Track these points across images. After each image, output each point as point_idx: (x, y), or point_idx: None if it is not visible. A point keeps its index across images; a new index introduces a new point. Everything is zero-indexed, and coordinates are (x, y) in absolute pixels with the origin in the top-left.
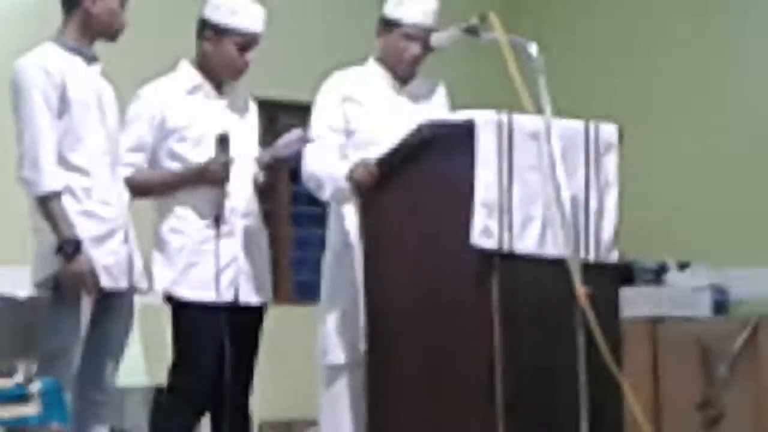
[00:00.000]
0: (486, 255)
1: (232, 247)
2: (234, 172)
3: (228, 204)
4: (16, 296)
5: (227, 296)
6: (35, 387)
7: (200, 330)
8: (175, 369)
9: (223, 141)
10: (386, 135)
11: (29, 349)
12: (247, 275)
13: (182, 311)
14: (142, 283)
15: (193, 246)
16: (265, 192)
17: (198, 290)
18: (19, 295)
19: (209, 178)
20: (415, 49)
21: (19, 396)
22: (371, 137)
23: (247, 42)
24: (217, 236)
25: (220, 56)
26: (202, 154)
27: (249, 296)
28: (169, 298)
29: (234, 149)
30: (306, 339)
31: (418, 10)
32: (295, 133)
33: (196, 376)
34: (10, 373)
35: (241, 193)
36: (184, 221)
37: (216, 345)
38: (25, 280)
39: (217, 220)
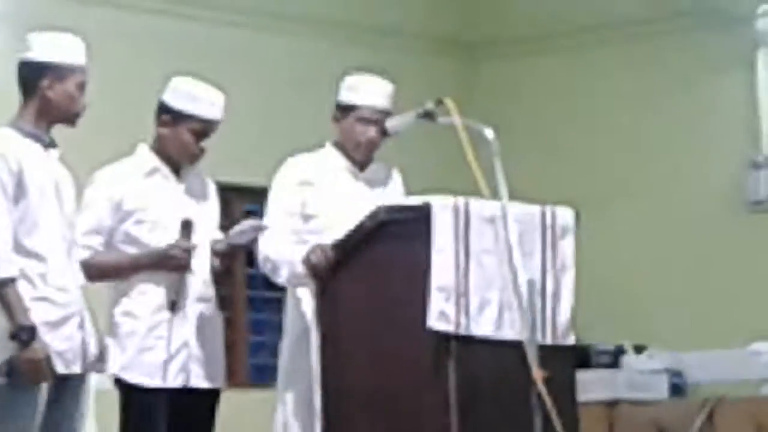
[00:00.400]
0: (443, 338)
1: (185, 332)
2: (195, 259)
3: (188, 290)
4: None
5: (177, 381)
6: None
7: (149, 415)
8: None
9: (186, 226)
10: (344, 220)
11: None
12: (199, 360)
13: (131, 396)
14: (98, 367)
15: (145, 330)
16: (220, 277)
17: (147, 375)
18: None
19: (171, 264)
20: (371, 132)
21: None
22: (328, 222)
23: (204, 129)
24: (171, 321)
25: (176, 141)
26: (158, 237)
27: (200, 381)
28: (119, 383)
29: (195, 235)
30: (262, 423)
31: (372, 93)
32: (248, 222)
33: None
34: None
35: (198, 278)
36: (137, 305)
37: (164, 430)
38: None
39: (173, 305)
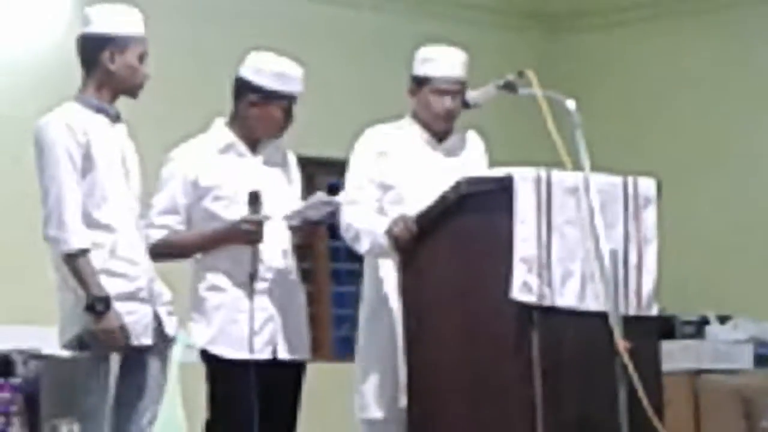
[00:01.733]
0: (526, 309)
1: (270, 305)
2: (270, 230)
3: (265, 262)
4: (57, 355)
5: (265, 354)
6: None
7: (236, 389)
8: (210, 427)
9: (254, 198)
10: (422, 191)
11: (71, 408)
12: (285, 333)
13: (219, 370)
14: (168, 340)
15: (230, 304)
16: (299, 251)
17: (235, 349)
18: (61, 354)
19: (242, 237)
20: (447, 103)
21: None
22: (407, 193)
23: (291, 104)
24: (253, 294)
25: (266, 120)
26: (235, 213)
27: (287, 354)
28: (206, 357)
29: (270, 207)
30: (346, 395)
31: (446, 63)
32: (318, 197)
33: None
34: None
35: (278, 250)
36: (221, 280)
37: (253, 404)
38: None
39: (252, 278)
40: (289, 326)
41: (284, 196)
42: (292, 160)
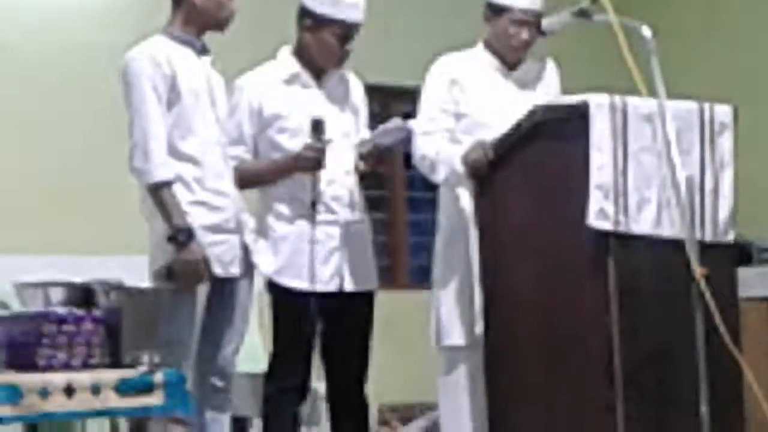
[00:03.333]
0: (602, 236)
1: (336, 235)
2: (334, 161)
3: (330, 192)
4: (138, 287)
5: (331, 285)
6: (159, 377)
7: (302, 319)
8: (275, 357)
9: (317, 125)
10: (495, 119)
11: (152, 339)
12: (351, 263)
13: (284, 299)
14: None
15: (296, 234)
16: (367, 179)
17: (300, 278)
18: (142, 285)
19: (303, 164)
20: (524, 34)
21: (144, 386)
22: (480, 121)
23: (347, 32)
24: (315, 223)
25: (320, 46)
26: (300, 144)
27: (353, 285)
28: (272, 286)
29: (333, 137)
30: (424, 323)
31: None
32: (393, 122)
33: (294, 365)
34: (134, 364)
35: (342, 181)
36: (287, 209)
37: (321, 334)
38: (145, 269)
39: (313, 205)
40: (355, 256)
41: (348, 126)
42: (358, 89)
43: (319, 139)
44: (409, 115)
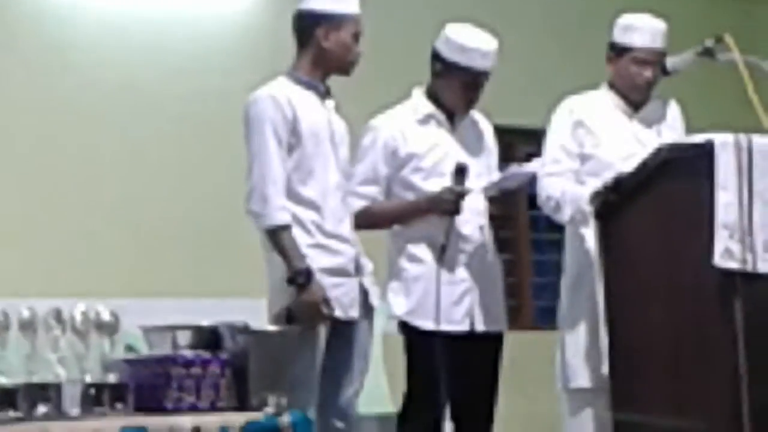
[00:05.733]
0: (728, 275)
1: (467, 277)
2: (468, 203)
3: (463, 234)
4: (264, 329)
5: (463, 326)
6: (286, 420)
7: (434, 360)
8: (409, 397)
9: (461, 171)
10: (620, 160)
11: (279, 381)
12: (482, 305)
13: (417, 340)
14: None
15: (429, 275)
16: (497, 221)
17: (432, 319)
18: (268, 328)
19: (443, 208)
20: (647, 73)
21: (271, 429)
22: (605, 162)
23: (475, 79)
24: (451, 266)
25: (449, 91)
26: (433, 184)
27: (483, 326)
28: (404, 327)
29: (468, 179)
30: (548, 364)
31: (648, 34)
32: (515, 167)
33: (429, 405)
34: (261, 406)
35: (475, 222)
36: (420, 251)
37: (450, 375)
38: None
39: (443, 249)
40: (486, 298)
41: (480, 168)
42: (489, 132)
43: (460, 183)
44: (533, 155)
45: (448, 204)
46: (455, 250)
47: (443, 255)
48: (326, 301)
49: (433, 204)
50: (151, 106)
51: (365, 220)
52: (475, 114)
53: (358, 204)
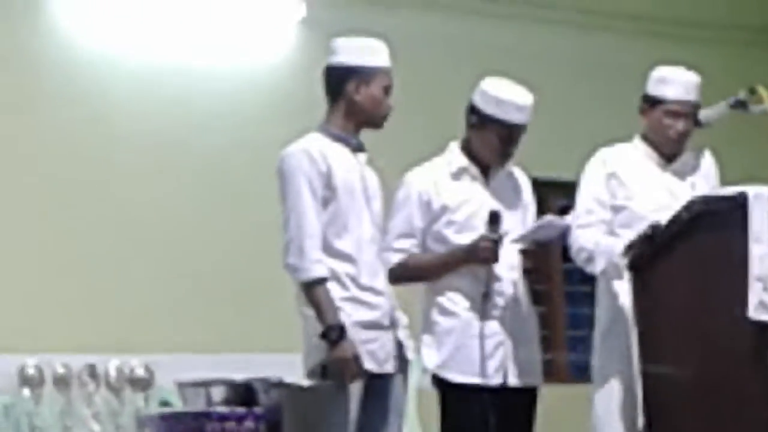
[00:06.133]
0: (763, 328)
1: (501, 329)
2: (502, 255)
3: (497, 287)
4: (298, 383)
5: (496, 380)
6: None
7: (468, 413)
8: None
9: (495, 217)
10: (653, 212)
11: None
12: (517, 358)
13: (450, 394)
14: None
15: (461, 328)
16: (530, 274)
17: (465, 373)
18: (303, 383)
19: (480, 256)
20: (680, 125)
21: None
22: (639, 214)
23: (510, 133)
24: (485, 317)
25: (484, 144)
26: (466, 238)
27: (517, 379)
28: (437, 381)
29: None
30: (583, 418)
31: (681, 86)
32: (546, 219)
33: None
34: None
35: (509, 275)
36: (453, 304)
37: (484, 429)
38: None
39: (486, 296)
40: (520, 351)
41: (515, 222)
42: (525, 184)
43: (495, 231)
44: (566, 207)
45: (485, 252)
46: (488, 303)
47: (486, 304)
48: (357, 358)
49: (470, 253)
50: (183, 160)
51: (402, 274)
52: (513, 168)
53: (395, 258)
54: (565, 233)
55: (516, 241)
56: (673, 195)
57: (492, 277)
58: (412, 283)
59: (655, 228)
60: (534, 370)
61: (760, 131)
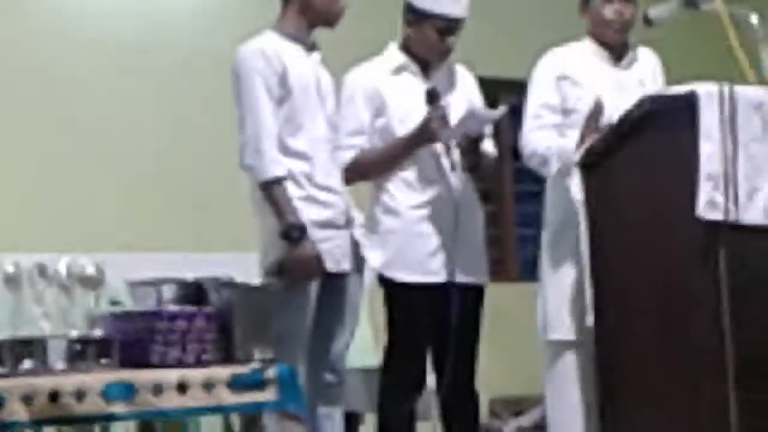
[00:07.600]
0: (712, 226)
1: (446, 227)
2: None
3: (440, 182)
4: (249, 283)
5: (440, 277)
6: (271, 373)
7: (414, 311)
8: (390, 350)
9: (432, 95)
10: (604, 111)
11: (264, 335)
12: (462, 256)
13: (395, 292)
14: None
15: (405, 227)
16: (472, 173)
17: (411, 271)
18: (253, 282)
19: (430, 133)
20: (617, 6)
21: (256, 382)
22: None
23: (448, 27)
24: (431, 217)
25: (421, 41)
26: (408, 130)
27: (464, 277)
28: (383, 280)
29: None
30: (531, 316)
31: None
32: (471, 110)
33: (410, 357)
34: (246, 360)
35: (453, 170)
36: (396, 202)
37: (431, 326)
38: (255, 266)
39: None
40: (466, 249)
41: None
42: (469, 81)
43: (436, 107)
44: (517, 107)
45: (437, 127)
46: (433, 201)
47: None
48: (318, 257)
49: (421, 132)
50: (141, 60)
51: (355, 171)
52: (454, 64)
53: (348, 155)
54: (496, 123)
55: (447, 137)
56: (623, 93)
57: (451, 150)
58: (366, 180)
59: (597, 105)
60: (480, 268)
61: (710, 29)
